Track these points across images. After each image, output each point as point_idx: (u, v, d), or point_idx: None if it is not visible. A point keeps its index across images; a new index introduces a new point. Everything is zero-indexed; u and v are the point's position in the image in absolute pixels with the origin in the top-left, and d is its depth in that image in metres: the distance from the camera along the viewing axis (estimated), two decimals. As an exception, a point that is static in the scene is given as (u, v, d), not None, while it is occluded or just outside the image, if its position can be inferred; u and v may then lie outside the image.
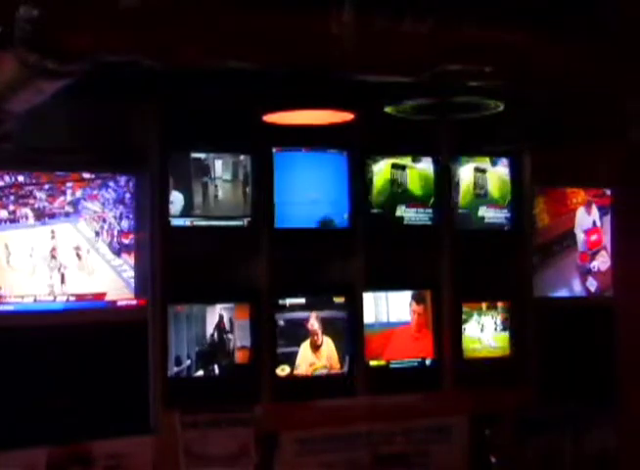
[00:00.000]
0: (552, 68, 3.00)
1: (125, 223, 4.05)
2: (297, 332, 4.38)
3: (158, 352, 4.06)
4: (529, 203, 4.96)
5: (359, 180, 4.53)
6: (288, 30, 2.66)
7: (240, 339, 4.24)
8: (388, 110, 3.91)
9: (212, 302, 4.20)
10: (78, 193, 3.96)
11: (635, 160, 3.77)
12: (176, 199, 4.15)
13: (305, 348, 4.38)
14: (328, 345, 4.43)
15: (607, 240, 5.02)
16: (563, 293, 5.10)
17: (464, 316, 4.78)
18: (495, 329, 4.87)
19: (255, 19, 2.62)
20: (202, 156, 4.22)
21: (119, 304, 4.01)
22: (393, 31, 2.72)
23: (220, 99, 4.07)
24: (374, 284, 4.56)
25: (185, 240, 4.16)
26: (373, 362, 4.55)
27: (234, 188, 4.27)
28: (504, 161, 4.91)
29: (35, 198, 3.87)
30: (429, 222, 4.70)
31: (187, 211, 4.17)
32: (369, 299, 4.55)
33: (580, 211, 5.14)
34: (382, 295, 4.60)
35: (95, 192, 4.00)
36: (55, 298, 3.90)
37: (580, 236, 5.15)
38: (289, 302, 4.37)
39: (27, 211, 3.85)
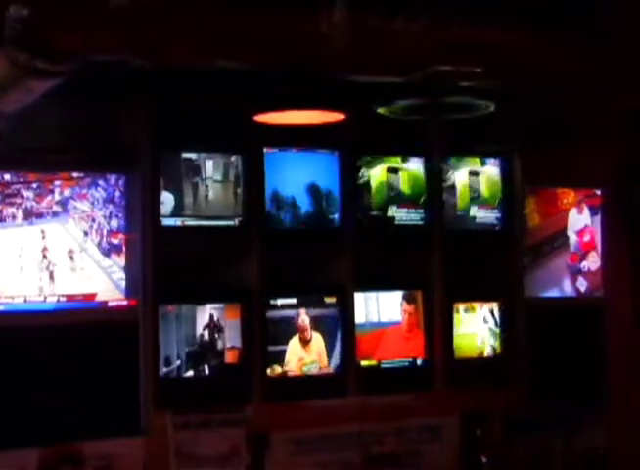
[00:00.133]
0: (545, 68, 3.00)
1: (115, 223, 4.02)
2: (288, 329, 4.38)
3: (148, 352, 4.05)
4: (520, 203, 4.97)
5: (350, 180, 4.54)
6: (278, 30, 2.66)
7: (230, 339, 4.24)
8: (378, 110, 3.91)
9: (202, 302, 4.20)
10: (67, 192, 3.92)
11: (625, 160, 3.78)
12: (167, 199, 4.14)
13: (295, 342, 4.37)
14: (317, 340, 4.43)
15: (597, 240, 5.04)
16: (553, 293, 5.11)
17: (455, 316, 4.78)
18: (486, 329, 4.88)
19: (245, 18, 2.62)
20: (192, 156, 4.22)
21: (110, 304, 4.00)
22: (385, 31, 2.73)
23: (211, 99, 4.07)
24: (365, 284, 4.56)
25: (176, 240, 4.15)
26: (364, 362, 4.55)
27: (225, 188, 4.27)
28: (495, 161, 4.92)
29: (23, 197, 3.83)
30: (420, 222, 4.70)
31: (178, 212, 4.16)
32: (360, 299, 4.55)
33: (572, 213, 5.16)
34: (372, 295, 4.61)
35: (84, 191, 3.96)
36: (45, 298, 3.89)
37: (573, 237, 5.16)
38: (280, 302, 4.37)
39: (14, 210, 3.82)
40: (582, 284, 5.17)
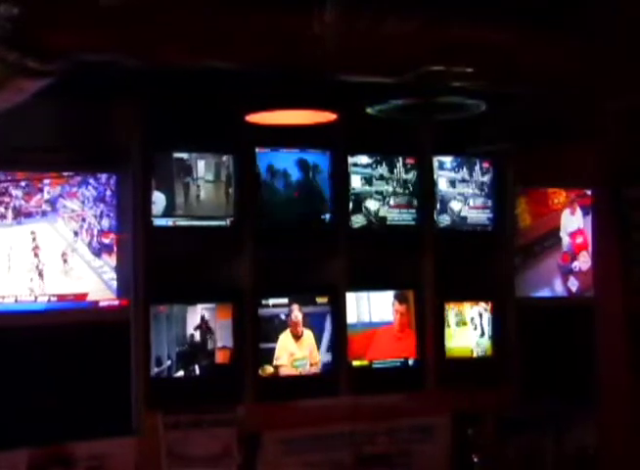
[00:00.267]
0: (537, 67, 3.01)
1: (106, 222, 4.00)
2: (279, 327, 4.37)
3: (140, 352, 4.04)
4: (512, 203, 4.98)
5: (342, 180, 4.54)
6: (270, 30, 2.66)
7: (221, 339, 4.23)
8: (370, 110, 3.92)
9: (194, 302, 4.20)
10: (56, 190, 3.88)
11: (615, 160, 3.80)
12: (158, 199, 4.13)
13: (286, 337, 4.37)
14: (308, 337, 4.43)
15: (590, 242, 5.05)
16: (544, 293, 5.13)
17: (446, 316, 4.79)
18: (477, 329, 4.89)
19: (237, 18, 2.62)
20: (184, 156, 4.21)
21: (101, 304, 3.99)
22: (376, 31, 2.73)
23: (203, 99, 4.06)
24: (357, 284, 4.56)
25: (167, 240, 4.15)
26: (356, 362, 4.56)
27: (216, 188, 4.27)
28: (486, 161, 4.93)
29: (12, 196, 3.79)
30: (412, 222, 4.71)
31: (169, 212, 4.16)
32: (351, 299, 4.56)
33: (565, 214, 5.17)
34: (364, 295, 4.61)
35: (74, 190, 3.92)
36: (36, 298, 3.88)
37: (566, 239, 5.17)
38: (271, 302, 4.37)
39: (3, 209, 3.77)
40: (573, 284, 5.18)
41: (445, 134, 4.69)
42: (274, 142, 4.38)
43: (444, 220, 4.81)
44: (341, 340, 4.50)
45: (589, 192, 4.92)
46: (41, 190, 3.85)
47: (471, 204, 4.89)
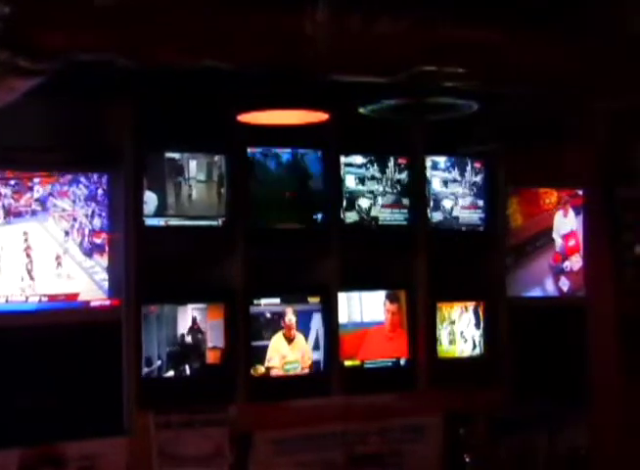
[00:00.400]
0: (530, 68, 3.01)
1: (97, 222, 3.97)
2: (272, 327, 4.37)
3: (131, 352, 4.03)
4: (503, 203, 4.99)
5: (334, 180, 4.54)
6: (262, 30, 2.66)
7: (212, 339, 4.23)
8: (362, 110, 3.92)
9: (185, 302, 4.19)
10: (46, 189, 3.83)
11: (607, 161, 3.80)
12: (149, 199, 4.12)
13: (278, 339, 4.36)
14: (301, 340, 4.42)
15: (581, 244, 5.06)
16: (536, 293, 5.13)
17: (438, 316, 4.79)
18: (469, 329, 4.89)
19: (229, 18, 2.62)
20: (176, 155, 4.20)
21: (93, 304, 3.98)
22: (368, 31, 2.73)
23: (195, 99, 4.06)
24: (349, 284, 4.56)
25: (159, 240, 4.14)
26: (347, 362, 4.56)
27: (208, 188, 4.26)
28: (478, 161, 4.94)
29: (0, 195, 3.74)
30: (404, 222, 4.71)
31: (161, 211, 4.15)
32: (342, 298, 4.56)
33: (558, 215, 5.18)
34: (355, 295, 4.61)
35: (65, 188, 3.87)
36: (27, 298, 3.86)
37: (558, 241, 5.18)
38: (263, 302, 4.36)
39: None
40: (565, 284, 5.19)
41: (437, 134, 4.69)
42: (266, 142, 4.38)
43: (437, 220, 4.81)
44: (332, 340, 4.50)
45: (581, 192, 4.93)
46: (31, 189, 3.80)
47: (463, 204, 4.89)
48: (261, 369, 4.32)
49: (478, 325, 4.91)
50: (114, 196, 4.01)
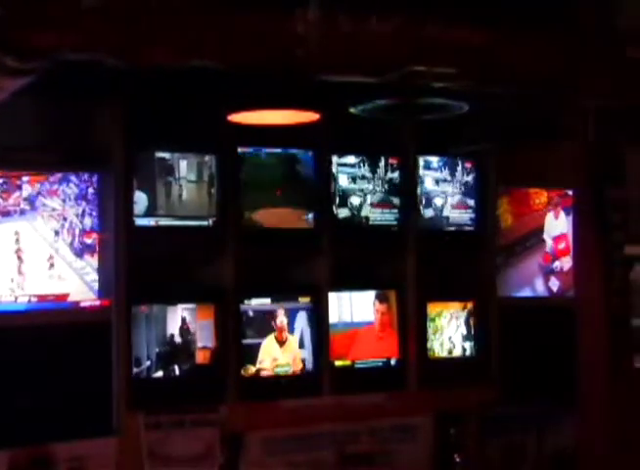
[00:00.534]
0: (520, 68, 3.02)
1: (88, 221, 3.94)
2: (263, 328, 4.36)
3: (121, 353, 4.02)
4: (493, 203, 5.00)
5: (325, 180, 4.54)
6: (253, 30, 2.66)
7: (202, 339, 4.22)
8: (353, 110, 3.92)
9: (175, 302, 4.18)
10: (35, 188, 3.78)
11: (596, 161, 3.81)
12: (140, 199, 4.11)
13: (270, 341, 4.36)
14: (293, 342, 4.42)
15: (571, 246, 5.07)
16: (526, 293, 5.15)
17: (428, 316, 4.80)
18: (459, 329, 4.90)
19: (220, 18, 2.62)
20: (166, 155, 4.20)
21: (82, 304, 3.97)
22: (359, 31, 2.73)
23: (185, 98, 4.05)
24: (339, 284, 4.56)
25: (149, 240, 4.13)
26: (338, 362, 4.56)
27: (199, 188, 4.25)
28: (469, 161, 4.94)
29: (-12, 194, 3.69)
30: (394, 222, 4.72)
31: (151, 211, 4.14)
32: (332, 298, 4.56)
33: (549, 217, 5.19)
34: (345, 295, 4.61)
35: (54, 187, 3.83)
36: (16, 298, 3.85)
37: (549, 242, 5.19)
38: (253, 302, 4.36)
39: None
40: (554, 284, 5.21)
41: (428, 134, 4.69)
42: (257, 142, 4.37)
43: (427, 220, 4.82)
44: (323, 340, 4.50)
45: (571, 192, 4.94)
46: (19, 187, 3.76)
47: (453, 204, 4.90)
48: (252, 369, 4.32)
49: (468, 325, 4.92)
50: (104, 196, 4.00)
